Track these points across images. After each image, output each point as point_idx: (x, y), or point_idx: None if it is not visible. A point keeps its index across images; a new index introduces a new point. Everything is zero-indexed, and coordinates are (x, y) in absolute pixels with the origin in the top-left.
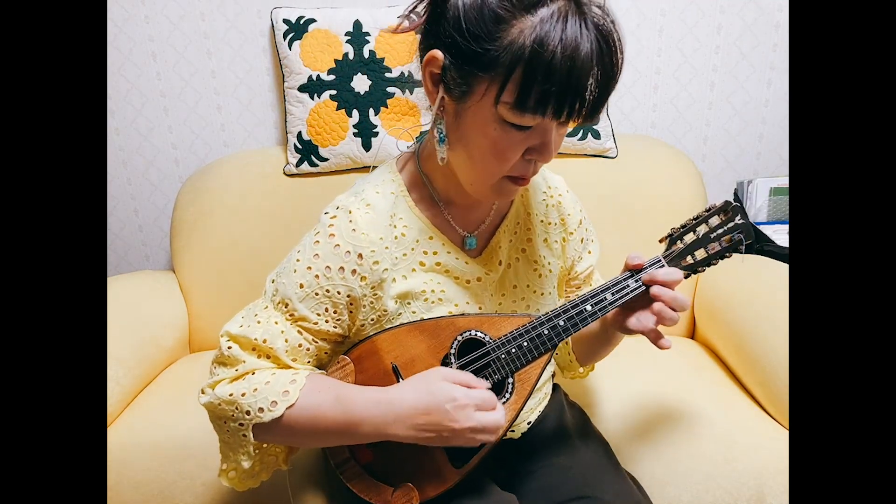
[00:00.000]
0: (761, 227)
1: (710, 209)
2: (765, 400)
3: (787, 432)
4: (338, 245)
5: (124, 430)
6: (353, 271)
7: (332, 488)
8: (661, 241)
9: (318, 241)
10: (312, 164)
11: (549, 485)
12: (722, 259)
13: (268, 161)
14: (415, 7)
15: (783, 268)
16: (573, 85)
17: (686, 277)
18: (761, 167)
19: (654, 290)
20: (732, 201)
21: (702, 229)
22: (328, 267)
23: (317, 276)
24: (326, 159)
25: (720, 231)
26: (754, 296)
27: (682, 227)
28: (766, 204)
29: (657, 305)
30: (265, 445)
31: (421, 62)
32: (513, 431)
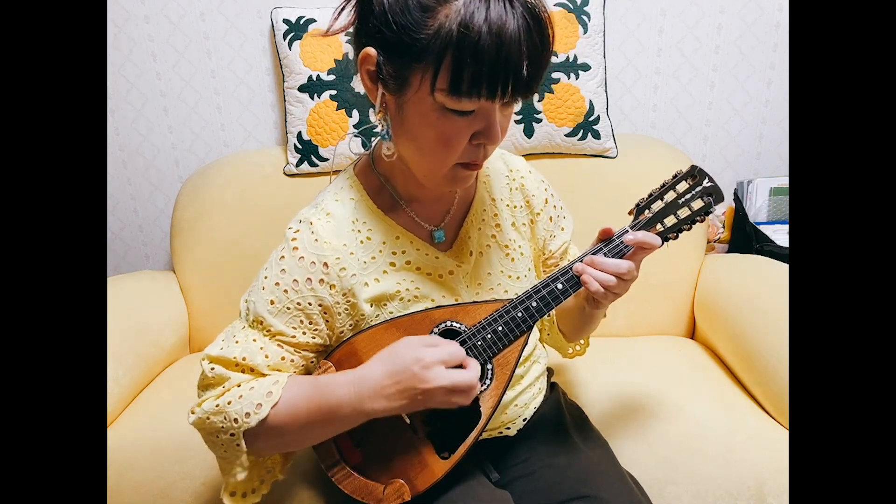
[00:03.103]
0: (761, 227)
1: (676, 175)
2: (765, 400)
3: (787, 432)
4: (302, 257)
5: (124, 430)
6: (321, 281)
7: (327, 492)
8: (629, 213)
9: (283, 257)
10: (312, 164)
11: (547, 484)
12: (693, 224)
13: (268, 161)
14: (343, 7)
15: (783, 268)
16: (503, 63)
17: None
18: (761, 167)
19: (581, 272)
20: (698, 166)
21: (669, 196)
22: (295, 280)
23: (286, 291)
24: (326, 159)
25: (688, 196)
26: (754, 296)
27: (649, 195)
28: (766, 204)
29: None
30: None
31: (356, 62)
32: (508, 429)
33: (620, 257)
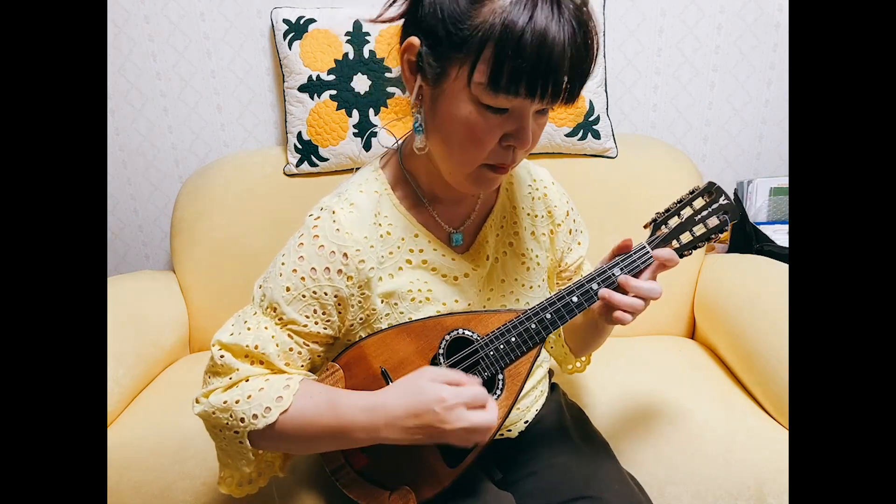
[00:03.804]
0: (761, 227)
1: (693, 191)
2: (765, 400)
3: (787, 432)
4: (322, 246)
5: (124, 430)
6: (339, 271)
7: (330, 494)
8: (645, 227)
9: (302, 244)
10: (312, 164)
11: (548, 485)
12: (708, 241)
13: (268, 161)
14: None
15: (783, 268)
16: (544, 63)
17: None
18: (761, 167)
19: (603, 293)
20: (717, 183)
21: (686, 212)
22: (314, 268)
23: (303, 279)
24: (326, 159)
25: (705, 213)
26: (754, 296)
27: (666, 211)
28: (766, 204)
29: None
30: (262, 452)
31: (399, 51)
32: (509, 431)
33: (638, 273)
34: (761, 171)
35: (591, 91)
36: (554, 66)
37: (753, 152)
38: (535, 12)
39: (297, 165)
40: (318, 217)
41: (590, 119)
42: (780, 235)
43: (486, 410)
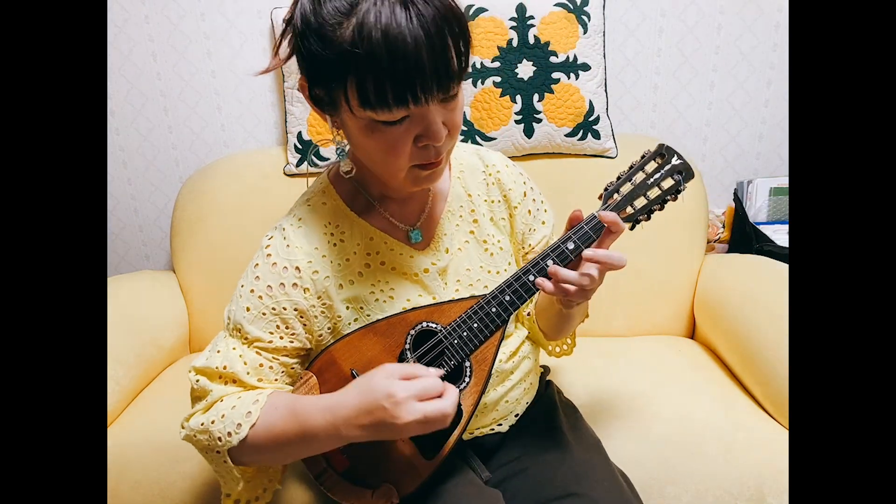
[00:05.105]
0: (761, 227)
1: (644, 155)
2: (765, 399)
3: (787, 432)
4: (275, 264)
5: (124, 430)
6: (294, 285)
7: (317, 499)
8: (599, 198)
9: (257, 265)
10: (313, 164)
11: (538, 482)
12: (664, 204)
13: (268, 161)
14: (280, 42)
15: (783, 268)
16: (401, 67)
17: (632, 228)
18: (761, 167)
19: (552, 269)
20: (667, 145)
21: (638, 177)
22: (269, 286)
23: (260, 297)
24: (327, 159)
25: (657, 175)
26: (754, 296)
27: (618, 178)
28: (766, 204)
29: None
30: (263, 469)
31: None
32: (500, 425)
33: (588, 244)
34: (761, 171)
35: (591, 91)
36: (413, 66)
37: (753, 152)
38: (379, 21)
39: (297, 165)
40: (272, 237)
41: (590, 119)
42: (780, 235)
43: (441, 399)
